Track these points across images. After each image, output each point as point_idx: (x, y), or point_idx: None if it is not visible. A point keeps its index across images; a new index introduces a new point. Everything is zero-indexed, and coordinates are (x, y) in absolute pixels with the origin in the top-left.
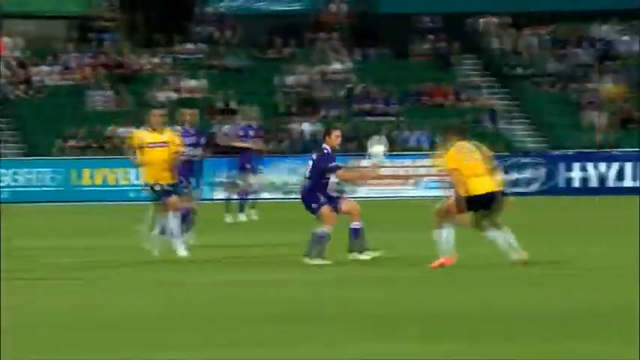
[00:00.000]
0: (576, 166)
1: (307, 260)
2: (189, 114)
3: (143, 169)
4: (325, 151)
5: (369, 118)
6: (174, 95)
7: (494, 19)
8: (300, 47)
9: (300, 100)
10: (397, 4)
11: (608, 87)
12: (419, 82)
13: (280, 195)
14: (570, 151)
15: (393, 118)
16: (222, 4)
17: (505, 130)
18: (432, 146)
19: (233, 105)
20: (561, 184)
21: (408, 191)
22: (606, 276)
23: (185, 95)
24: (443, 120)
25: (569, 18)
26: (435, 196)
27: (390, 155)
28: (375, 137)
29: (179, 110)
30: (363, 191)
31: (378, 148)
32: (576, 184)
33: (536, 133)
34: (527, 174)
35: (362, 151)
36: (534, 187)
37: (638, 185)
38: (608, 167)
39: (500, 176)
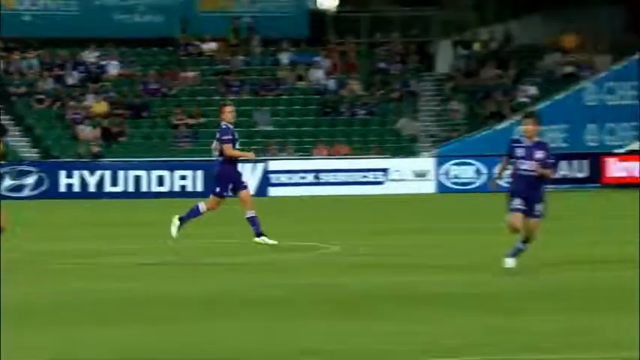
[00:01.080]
0: (64, 174)
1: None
2: None
3: None
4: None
5: None
6: None
7: None
8: None
9: None
10: None
11: (96, 105)
12: None
13: None
14: (64, 161)
15: None
16: None
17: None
18: None
19: None
20: (61, 189)
21: None
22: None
23: None
24: None
25: (61, 44)
26: None
27: None
28: None
29: None
30: None
31: None
32: (63, 189)
33: (34, 145)
34: (24, 181)
35: None
36: (29, 192)
37: (118, 190)
38: (92, 174)
39: None
